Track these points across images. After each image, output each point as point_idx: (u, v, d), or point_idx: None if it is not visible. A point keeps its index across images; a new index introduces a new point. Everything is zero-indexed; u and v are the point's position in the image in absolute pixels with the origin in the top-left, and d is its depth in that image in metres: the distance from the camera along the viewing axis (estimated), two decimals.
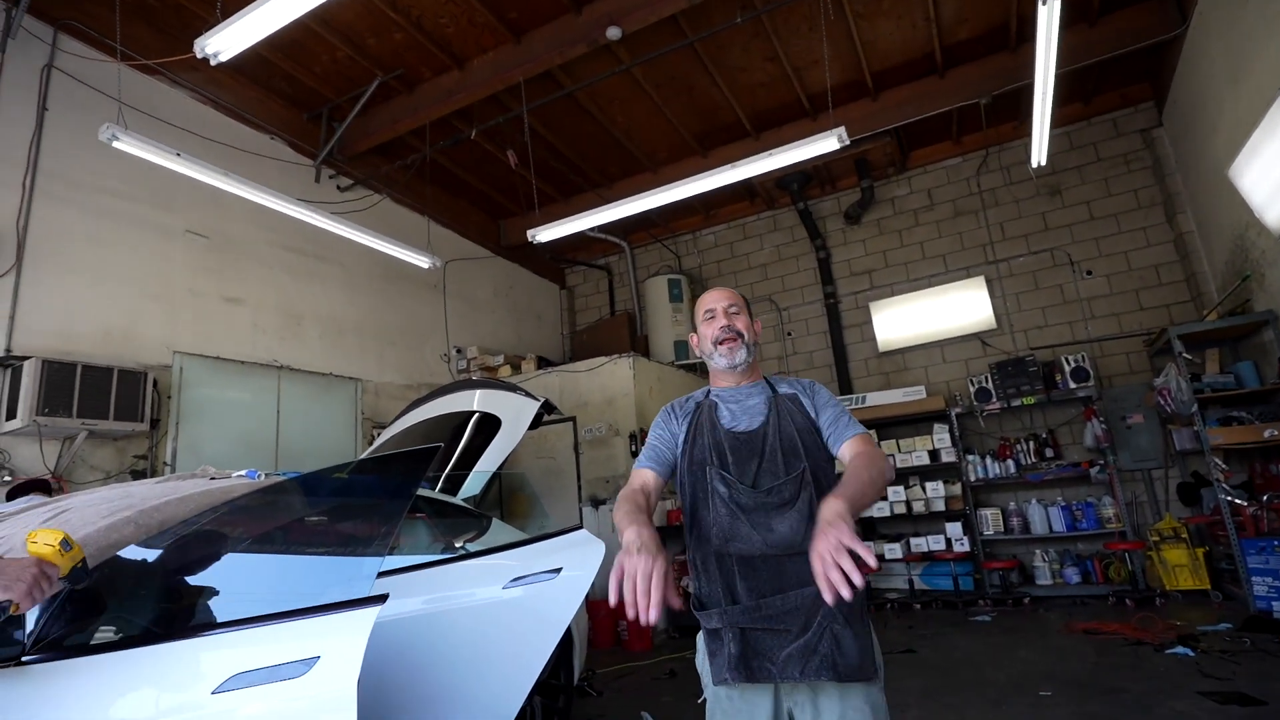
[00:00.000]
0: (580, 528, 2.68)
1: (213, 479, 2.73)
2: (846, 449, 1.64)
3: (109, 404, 4.34)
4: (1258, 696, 3.35)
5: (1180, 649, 4.25)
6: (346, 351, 6.59)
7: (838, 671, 1.46)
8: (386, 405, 6.70)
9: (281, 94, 6.19)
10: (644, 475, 1.70)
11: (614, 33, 5.35)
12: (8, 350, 4.22)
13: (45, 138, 4.65)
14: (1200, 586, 5.71)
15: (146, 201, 5.15)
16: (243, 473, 2.80)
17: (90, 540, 2.08)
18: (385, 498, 1.89)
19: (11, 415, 4.03)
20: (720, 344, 1.75)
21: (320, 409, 6.09)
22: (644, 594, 1.21)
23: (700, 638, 1.66)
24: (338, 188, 6.86)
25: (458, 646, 2.32)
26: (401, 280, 7.32)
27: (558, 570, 2.44)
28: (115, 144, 3.88)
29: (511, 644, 2.37)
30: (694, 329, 1.89)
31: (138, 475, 4.68)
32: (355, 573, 1.65)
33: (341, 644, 1.48)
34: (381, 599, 1.54)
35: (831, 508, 1.28)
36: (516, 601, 2.40)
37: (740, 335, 1.75)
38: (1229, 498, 5.16)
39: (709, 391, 1.82)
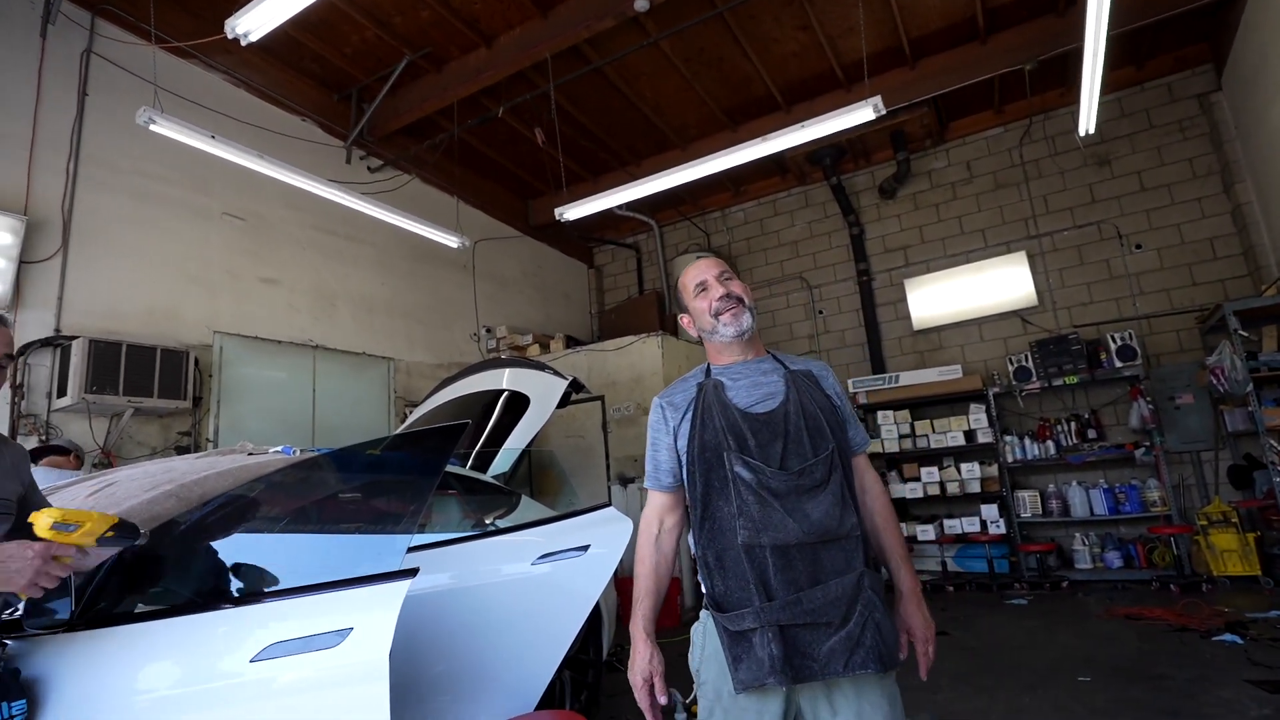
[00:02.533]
0: (609, 505, 2.68)
1: (250, 454, 2.80)
2: (860, 463, 1.68)
3: (153, 382, 4.47)
4: None
5: (1228, 636, 4.11)
6: (378, 331, 6.68)
7: (883, 662, 1.40)
8: (418, 384, 6.79)
9: (311, 75, 6.22)
10: (658, 502, 1.66)
11: (642, 4, 5.23)
12: (56, 330, 4.36)
13: (86, 122, 4.75)
14: (1250, 572, 5.50)
15: (184, 185, 5.26)
16: (279, 449, 2.86)
17: (134, 512, 2.15)
18: (415, 474, 1.90)
19: (62, 393, 4.18)
20: (722, 314, 1.63)
21: (354, 387, 6.21)
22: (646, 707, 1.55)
23: (702, 634, 1.56)
24: (368, 168, 6.91)
25: (487, 621, 2.35)
26: (431, 260, 7.37)
27: (586, 547, 2.45)
28: (152, 127, 3.95)
29: (540, 619, 2.39)
30: (683, 310, 1.77)
31: (182, 451, 4.83)
32: (386, 547, 1.67)
33: (373, 616, 1.51)
34: (412, 573, 1.56)
35: (926, 619, 1.59)
36: (545, 578, 2.41)
37: (741, 300, 1.66)
38: None
39: (709, 369, 1.69)
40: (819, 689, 1.44)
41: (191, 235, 5.28)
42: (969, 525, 6.70)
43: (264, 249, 5.79)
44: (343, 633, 1.49)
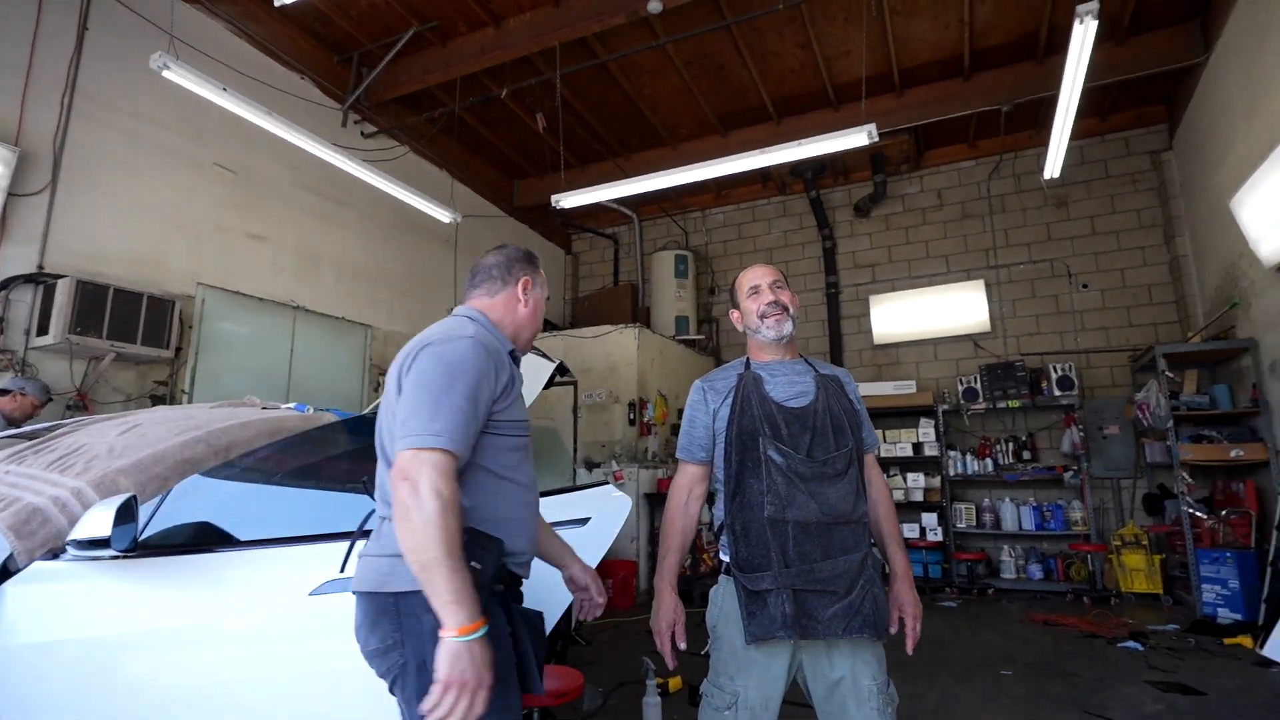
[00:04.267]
0: (607, 484, 2.87)
1: (264, 408, 2.89)
2: (869, 461, 1.93)
3: (138, 329, 4.44)
4: (1197, 688, 3.68)
5: (1131, 644, 4.59)
6: (359, 297, 6.69)
7: (877, 629, 1.66)
8: (393, 353, 6.77)
9: (314, 34, 6.17)
10: (689, 474, 1.89)
11: (655, 6, 5.40)
12: (39, 267, 4.29)
13: (84, 57, 4.64)
14: (1153, 590, 6.08)
15: (178, 131, 5.18)
16: (291, 405, 2.96)
17: (169, 454, 2.25)
18: None
19: (43, 331, 4.12)
20: (767, 318, 1.87)
21: (331, 351, 6.21)
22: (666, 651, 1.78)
23: (721, 595, 1.78)
24: (362, 134, 6.88)
25: None
26: (416, 232, 7.38)
27: (586, 520, 2.64)
28: (165, 73, 3.93)
29: (536, 585, 2.56)
30: (735, 306, 2.00)
31: (157, 400, 4.80)
32: None
33: None
34: None
35: (915, 599, 1.86)
36: None
37: (786, 309, 1.89)
38: (1191, 510, 5.49)
39: (748, 363, 1.92)
40: (820, 647, 1.69)
41: (182, 183, 5.20)
42: (910, 531, 7.14)
43: (253, 204, 5.74)
44: None
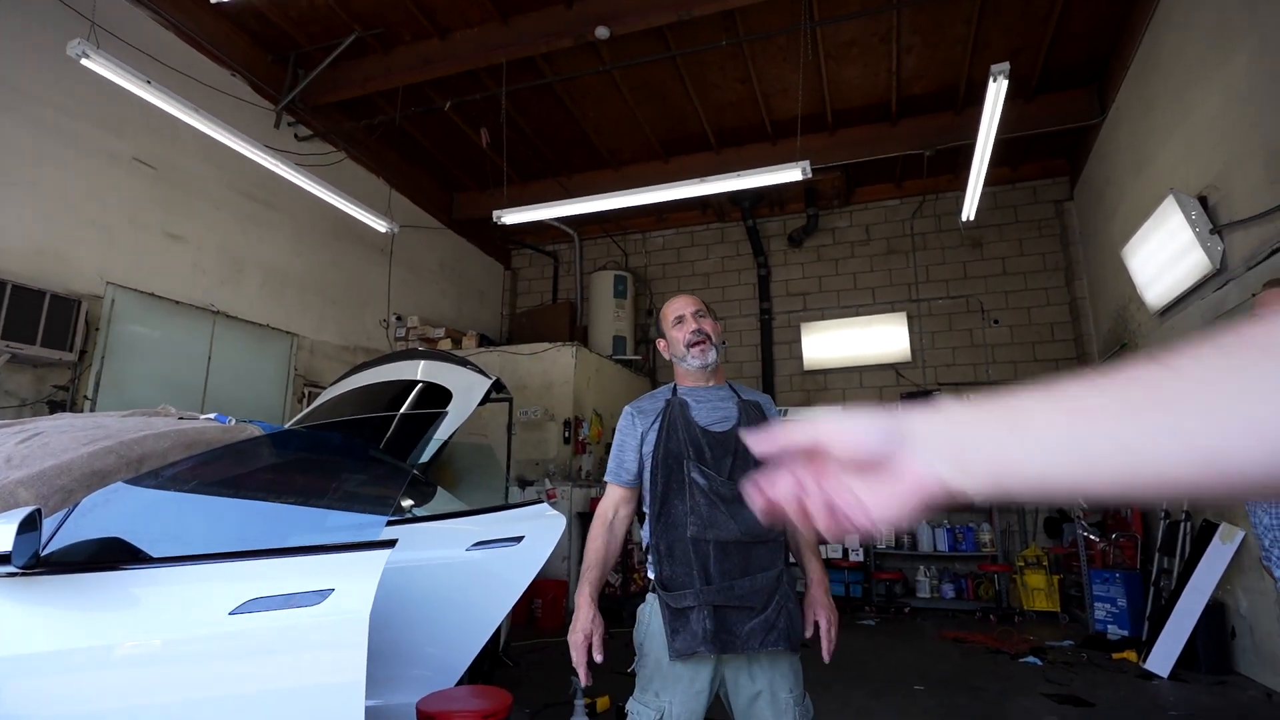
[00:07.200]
0: (542, 502, 2.87)
1: (181, 419, 2.75)
2: None
3: (37, 329, 4.14)
4: (1088, 699, 3.95)
5: (1031, 659, 4.89)
6: (286, 305, 6.43)
7: (791, 642, 1.73)
8: (321, 364, 6.59)
9: (250, 31, 5.97)
10: (615, 496, 1.92)
11: (602, 32, 5.51)
12: None
13: None
14: (1052, 609, 6.49)
15: (94, 122, 4.89)
16: (211, 416, 2.83)
17: (75, 465, 2.12)
18: (398, 458, 2.02)
19: None
20: (693, 346, 1.93)
21: (253, 360, 5.95)
22: (581, 663, 1.71)
23: (648, 613, 1.82)
24: (295, 136, 6.67)
25: (418, 602, 2.47)
26: (348, 240, 7.18)
27: (520, 539, 2.63)
28: (84, 61, 3.72)
29: (469, 603, 2.54)
30: (661, 335, 2.05)
31: (55, 406, 4.47)
32: (367, 520, 1.79)
33: (354, 580, 1.63)
34: (391, 543, 1.70)
35: (830, 606, 1.92)
36: (478, 564, 2.57)
37: (709, 337, 1.96)
38: (1085, 534, 5.92)
39: (675, 389, 1.99)
40: (740, 661, 1.76)
41: (95, 176, 4.91)
42: (833, 551, 7.38)
43: (174, 202, 5.46)
44: (323, 593, 1.61)
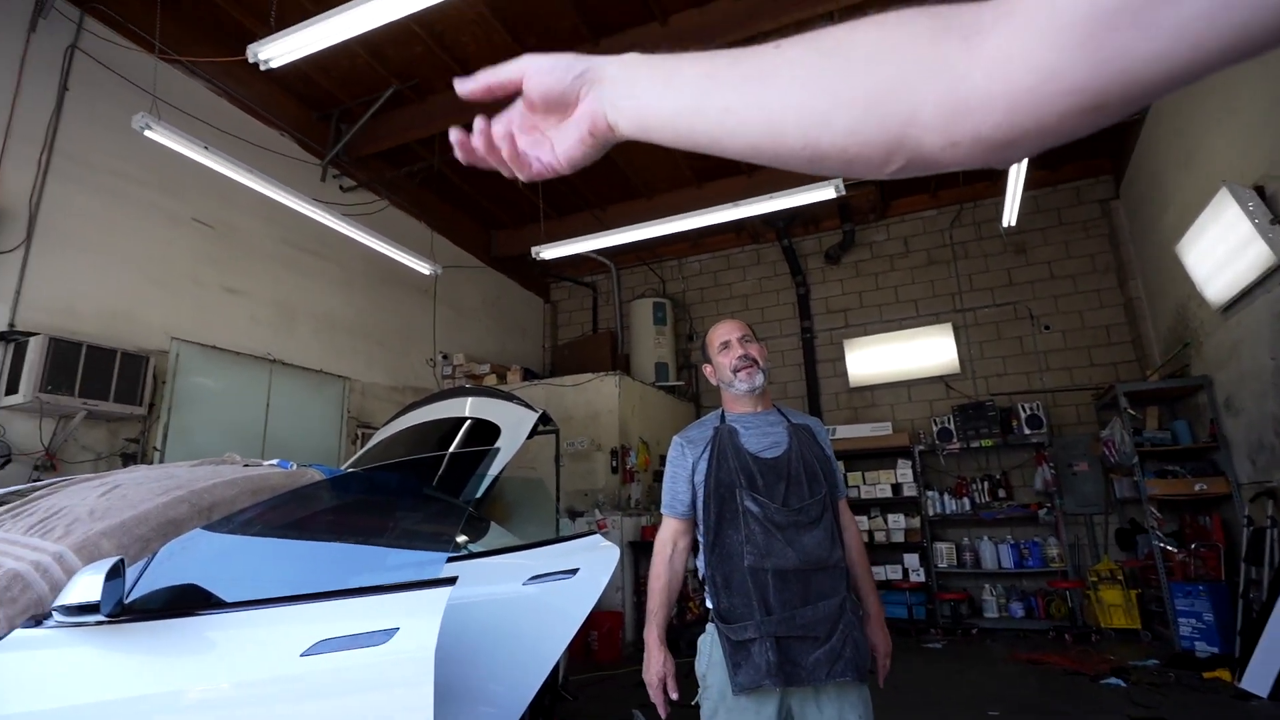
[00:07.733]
0: (594, 533, 2.87)
1: (246, 465, 2.86)
2: (841, 507, 1.98)
3: (110, 386, 4.37)
4: None
5: (1113, 680, 4.63)
6: (338, 350, 6.66)
7: (859, 671, 1.69)
8: (372, 405, 6.78)
9: (296, 93, 6.30)
10: (672, 528, 1.91)
11: None
12: (11, 325, 4.22)
13: (64, 117, 4.68)
14: (1132, 626, 6.15)
15: (156, 187, 5.20)
16: (274, 462, 2.93)
17: (151, 515, 2.22)
18: (451, 494, 2.06)
19: (13, 390, 4.03)
20: (739, 370, 1.93)
21: (308, 404, 6.15)
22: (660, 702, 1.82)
23: (709, 644, 1.80)
24: (340, 188, 6.96)
25: (479, 639, 2.48)
26: (394, 284, 7.42)
27: (575, 571, 2.63)
28: (147, 133, 3.98)
29: (528, 638, 2.54)
30: (707, 360, 2.06)
31: (128, 458, 4.69)
32: (427, 559, 1.83)
33: (418, 618, 1.66)
34: (451, 581, 1.73)
35: (887, 639, 1.95)
36: (535, 598, 2.57)
37: (756, 361, 1.96)
38: (1161, 544, 5.62)
39: (723, 416, 1.97)
40: (808, 693, 1.71)
41: (158, 238, 5.20)
42: (892, 573, 7.17)
43: (230, 258, 5.75)
44: (389, 632, 1.64)
